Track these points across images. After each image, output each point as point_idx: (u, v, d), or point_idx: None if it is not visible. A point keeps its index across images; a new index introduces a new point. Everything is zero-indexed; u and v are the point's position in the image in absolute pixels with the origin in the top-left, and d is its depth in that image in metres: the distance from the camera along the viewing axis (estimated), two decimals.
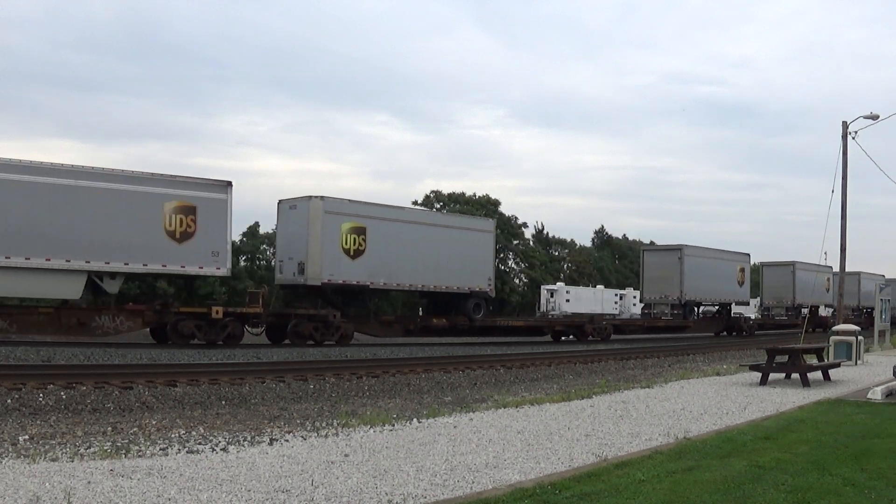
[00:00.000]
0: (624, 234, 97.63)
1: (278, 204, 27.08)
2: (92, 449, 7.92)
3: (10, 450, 7.85)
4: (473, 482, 6.18)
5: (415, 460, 7.03)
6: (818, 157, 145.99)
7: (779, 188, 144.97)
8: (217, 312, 23.70)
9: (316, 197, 25.96)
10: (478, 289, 30.21)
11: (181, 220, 22.96)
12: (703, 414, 10.54)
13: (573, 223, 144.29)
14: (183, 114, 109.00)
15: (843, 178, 29.18)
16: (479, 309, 30.61)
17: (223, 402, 13.52)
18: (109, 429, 10.16)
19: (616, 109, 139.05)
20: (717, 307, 42.84)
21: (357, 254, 26.72)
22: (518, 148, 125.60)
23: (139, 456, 7.29)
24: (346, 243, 26.51)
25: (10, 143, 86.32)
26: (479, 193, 66.67)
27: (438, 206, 62.50)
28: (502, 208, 66.87)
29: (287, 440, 8.21)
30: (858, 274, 49.58)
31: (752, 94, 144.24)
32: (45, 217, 21.01)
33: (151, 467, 6.55)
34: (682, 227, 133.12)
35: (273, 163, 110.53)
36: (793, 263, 44.38)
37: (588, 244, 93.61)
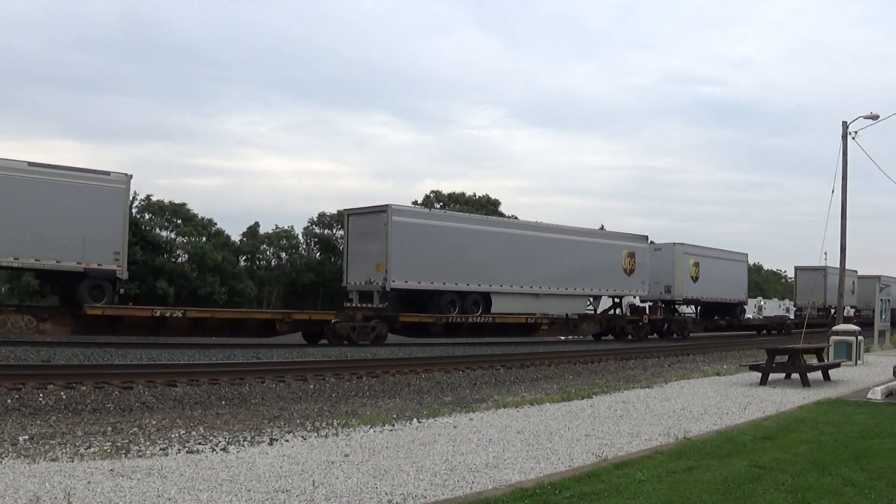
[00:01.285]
0: None
1: (649, 244, 37.89)
2: (92, 449, 7.92)
3: (10, 450, 7.85)
4: (473, 482, 6.18)
5: (415, 460, 7.03)
6: (818, 157, 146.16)
7: (778, 188, 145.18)
8: (645, 319, 36.65)
9: (678, 243, 39.56)
10: (741, 300, 44.78)
11: (629, 261, 35.10)
12: (703, 414, 10.54)
13: (573, 223, 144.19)
14: (183, 114, 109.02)
15: (843, 178, 29.20)
16: (742, 313, 45.75)
17: (223, 402, 13.52)
18: (109, 429, 10.15)
19: (616, 109, 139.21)
20: (833, 309, 53.33)
21: (696, 279, 40.15)
22: (518, 148, 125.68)
23: (139, 456, 7.29)
24: (692, 272, 39.88)
25: (10, 143, 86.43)
26: (479, 193, 66.62)
27: (439, 206, 62.47)
28: (502, 208, 66.75)
29: (287, 440, 8.21)
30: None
31: (752, 94, 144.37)
32: (570, 262, 32.31)
33: (151, 467, 6.55)
34: (681, 227, 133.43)
35: (273, 163, 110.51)
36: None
37: None
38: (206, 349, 22.21)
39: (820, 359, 16.17)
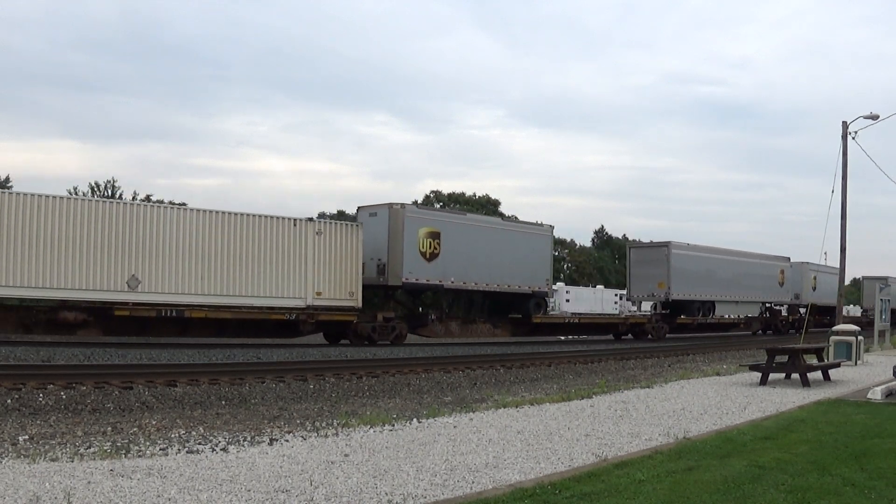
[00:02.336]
0: (624, 234, 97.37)
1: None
2: (92, 449, 7.92)
3: (10, 450, 7.85)
4: (473, 482, 6.18)
5: (415, 460, 7.03)
6: (818, 157, 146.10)
7: (779, 188, 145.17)
8: (789, 318, 48.50)
9: (805, 262, 48.53)
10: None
11: (781, 277, 45.59)
12: (703, 414, 10.54)
13: (573, 223, 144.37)
14: (183, 114, 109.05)
15: (843, 178, 29.20)
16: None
17: (223, 402, 13.52)
18: (109, 429, 10.15)
19: (616, 109, 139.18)
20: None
21: (814, 289, 49.68)
22: (518, 148, 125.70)
23: (139, 456, 7.29)
24: (812, 284, 49.32)
25: (10, 143, 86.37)
26: (479, 193, 66.73)
27: (438, 206, 62.57)
28: (502, 208, 66.90)
29: (287, 440, 8.21)
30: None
31: (752, 95, 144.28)
32: (754, 278, 42.10)
33: (151, 467, 6.55)
34: (681, 227, 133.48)
35: (273, 163, 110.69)
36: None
37: (588, 244, 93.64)
38: (206, 349, 22.22)
39: (820, 359, 16.16)
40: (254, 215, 24.59)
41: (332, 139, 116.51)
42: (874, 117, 28.92)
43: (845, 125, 29.20)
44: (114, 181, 54.83)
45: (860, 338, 20.33)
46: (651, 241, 41.25)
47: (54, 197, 21.35)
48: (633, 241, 42.40)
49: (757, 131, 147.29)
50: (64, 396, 12.81)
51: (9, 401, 12.12)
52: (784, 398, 12.42)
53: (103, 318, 22.20)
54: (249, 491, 5.73)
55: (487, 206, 64.72)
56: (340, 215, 57.94)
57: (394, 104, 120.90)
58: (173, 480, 6.04)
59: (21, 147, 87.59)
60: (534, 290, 32.04)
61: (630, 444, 8.13)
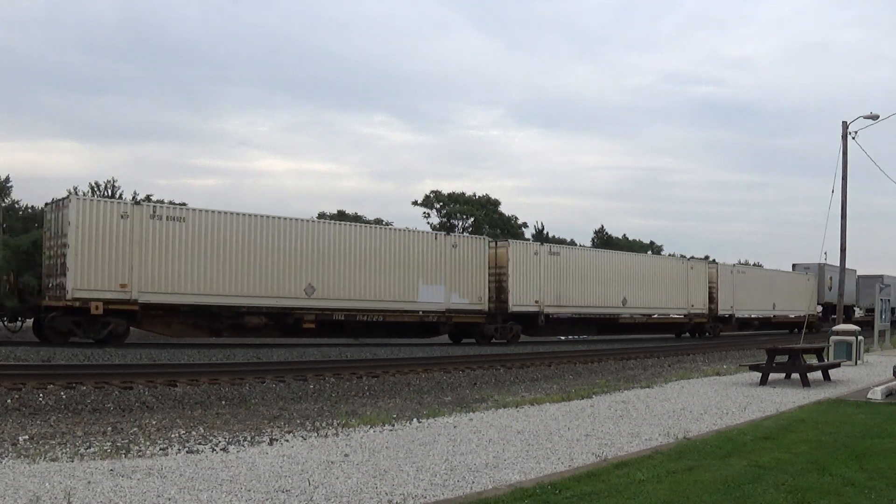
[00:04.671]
0: (624, 234, 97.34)
1: None
2: (92, 449, 7.92)
3: (10, 450, 7.85)
4: (473, 482, 6.18)
5: (415, 460, 7.03)
6: (818, 157, 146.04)
7: (779, 188, 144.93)
8: None
9: None
10: None
11: None
12: (703, 414, 10.55)
13: (573, 223, 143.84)
14: (183, 114, 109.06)
15: (843, 178, 29.21)
16: None
17: (223, 402, 13.52)
18: (109, 429, 10.15)
19: (615, 110, 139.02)
20: None
21: None
22: (517, 148, 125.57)
23: (139, 456, 7.29)
24: None
25: (10, 143, 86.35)
26: (479, 193, 66.65)
27: (438, 206, 62.54)
28: (502, 208, 66.84)
29: (287, 440, 8.21)
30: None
31: (752, 95, 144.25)
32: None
33: (151, 467, 6.55)
34: (681, 227, 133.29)
35: (273, 163, 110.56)
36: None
37: (588, 244, 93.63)
38: (206, 349, 22.22)
39: (820, 359, 16.17)
40: None
41: (332, 139, 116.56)
42: (874, 117, 28.94)
43: (845, 125, 29.22)
44: (114, 181, 54.88)
45: (860, 338, 20.34)
46: (870, 274, 58.06)
47: None
48: (861, 275, 58.22)
49: (757, 131, 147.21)
50: (64, 396, 12.81)
51: (9, 401, 12.12)
52: (784, 398, 12.42)
53: None
54: (249, 491, 5.73)
55: (487, 206, 64.68)
56: (341, 215, 57.97)
57: (393, 104, 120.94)
58: (173, 480, 6.04)
59: (21, 147, 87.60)
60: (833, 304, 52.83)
61: (630, 444, 8.13)
